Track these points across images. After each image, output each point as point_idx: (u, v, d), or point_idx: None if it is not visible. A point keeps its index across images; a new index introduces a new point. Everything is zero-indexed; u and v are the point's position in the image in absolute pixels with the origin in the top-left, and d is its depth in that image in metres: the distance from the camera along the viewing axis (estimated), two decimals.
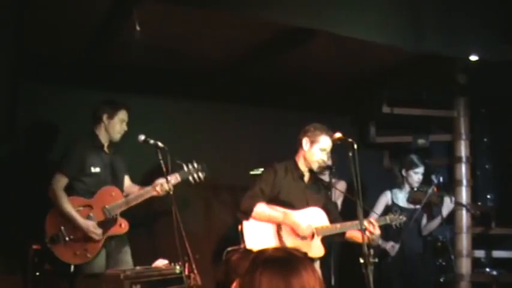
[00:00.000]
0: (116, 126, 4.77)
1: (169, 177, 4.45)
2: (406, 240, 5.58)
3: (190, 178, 4.82)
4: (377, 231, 4.48)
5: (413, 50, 5.00)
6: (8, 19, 4.08)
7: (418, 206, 5.54)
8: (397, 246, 5.58)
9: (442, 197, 5.66)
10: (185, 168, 4.79)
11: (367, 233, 4.29)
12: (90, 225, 4.54)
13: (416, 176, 5.74)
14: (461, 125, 6.53)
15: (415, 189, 5.69)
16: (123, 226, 4.70)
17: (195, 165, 4.85)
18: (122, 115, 4.78)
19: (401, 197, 5.78)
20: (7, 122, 4.61)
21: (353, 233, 4.57)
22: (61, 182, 4.58)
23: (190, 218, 4.98)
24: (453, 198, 5.82)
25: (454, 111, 6.57)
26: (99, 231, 4.57)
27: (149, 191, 4.74)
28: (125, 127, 4.80)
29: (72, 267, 4.51)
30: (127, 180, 5.01)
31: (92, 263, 4.57)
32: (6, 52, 4.16)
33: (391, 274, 5.58)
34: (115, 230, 4.68)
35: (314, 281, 1.76)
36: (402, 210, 5.44)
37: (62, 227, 4.51)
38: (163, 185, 4.63)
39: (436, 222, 5.78)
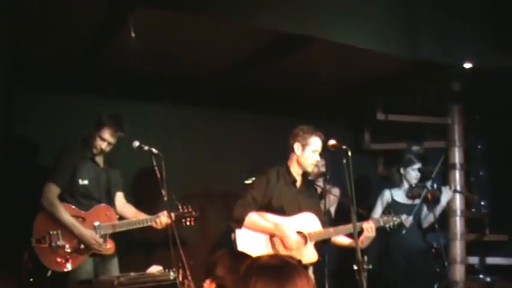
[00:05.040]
0: (96, 141, 4.67)
1: (163, 214, 4.60)
2: (406, 234, 5.61)
3: (183, 221, 4.82)
4: (372, 234, 4.55)
5: (408, 57, 5.02)
6: (2, 24, 4.07)
7: (417, 201, 5.66)
8: (410, 218, 5.60)
9: (440, 189, 5.77)
10: (180, 209, 4.79)
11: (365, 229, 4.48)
12: (91, 235, 4.52)
13: (414, 172, 5.81)
14: (455, 132, 6.57)
15: (413, 185, 5.78)
16: (109, 247, 4.67)
17: (190, 209, 4.84)
18: (104, 134, 4.63)
19: (400, 194, 5.85)
20: (1, 128, 4.59)
21: (337, 238, 4.62)
22: (53, 191, 4.54)
23: (181, 224, 4.96)
24: (452, 186, 5.93)
25: (449, 118, 6.61)
26: (100, 240, 4.56)
27: (144, 222, 4.74)
28: (103, 145, 4.67)
29: (50, 272, 4.47)
30: (120, 198, 4.96)
31: (79, 269, 4.54)
32: (1, 57, 4.15)
33: (392, 267, 5.67)
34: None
35: None
36: (400, 206, 5.60)
37: (51, 231, 4.48)
38: (161, 219, 4.66)
39: (436, 213, 5.78)
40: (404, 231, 5.49)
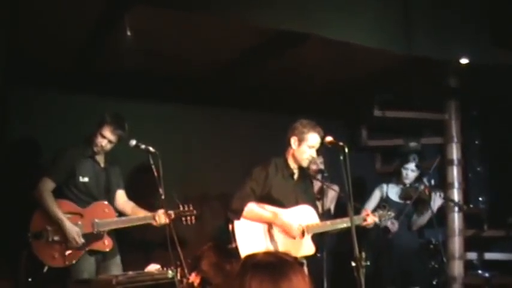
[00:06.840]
0: (97, 138, 4.69)
1: (161, 212, 4.59)
2: (399, 234, 5.63)
3: (183, 219, 4.80)
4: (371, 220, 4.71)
5: (405, 53, 5.01)
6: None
7: (408, 202, 5.67)
8: (396, 223, 5.62)
9: (430, 193, 5.71)
10: (181, 208, 4.78)
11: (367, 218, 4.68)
12: (75, 232, 4.51)
13: (405, 171, 5.82)
14: (452, 128, 6.57)
15: (408, 185, 5.79)
16: (106, 244, 4.68)
17: (191, 208, 4.83)
18: (105, 131, 4.67)
19: (394, 192, 5.87)
20: None
21: None
22: (48, 185, 4.57)
23: (182, 222, 4.97)
24: (442, 194, 5.88)
25: (446, 114, 6.61)
26: (81, 240, 4.53)
27: (143, 219, 4.73)
28: (103, 143, 4.70)
29: (46, 268, 4.48)
30: (122, 196, 4.97)
31: (81, 268, 4.56)
32: None
33: (384, 266, 5.69)
34: (98, 246, 4.66)
35: (304, 286, 1.77)
36: (393, 204, 5.58)
37: (48, 227, 4.50)
38: (160, 217, 4.65)
39: (425, 217, 5.78)
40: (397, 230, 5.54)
